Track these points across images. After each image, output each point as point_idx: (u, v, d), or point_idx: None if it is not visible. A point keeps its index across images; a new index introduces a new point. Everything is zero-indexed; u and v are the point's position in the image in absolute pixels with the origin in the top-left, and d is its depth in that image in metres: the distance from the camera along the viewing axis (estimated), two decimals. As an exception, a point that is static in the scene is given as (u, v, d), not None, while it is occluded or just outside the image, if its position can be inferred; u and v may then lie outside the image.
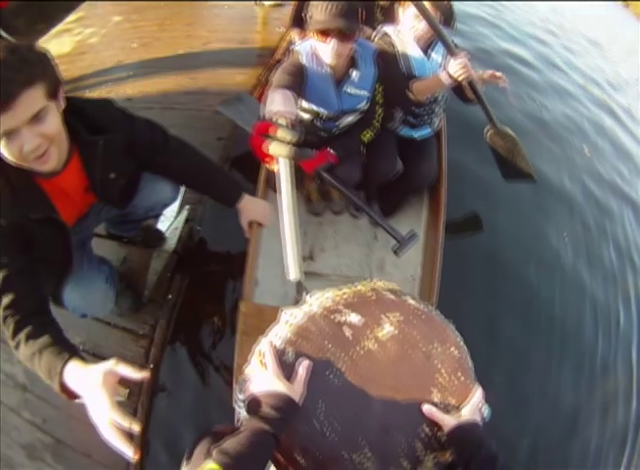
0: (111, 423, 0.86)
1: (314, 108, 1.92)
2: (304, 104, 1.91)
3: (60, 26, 4.99)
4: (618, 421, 2.37)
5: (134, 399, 1.76)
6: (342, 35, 1.66)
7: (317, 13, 1.66)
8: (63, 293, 1.41)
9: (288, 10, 3.58)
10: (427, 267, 2.19)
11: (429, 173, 2.28)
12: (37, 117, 0.99)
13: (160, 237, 2.19)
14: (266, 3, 4.75)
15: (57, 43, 4.48)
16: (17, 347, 1.04)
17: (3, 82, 0.90)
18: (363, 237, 2.39)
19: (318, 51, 1.77)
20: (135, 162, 1.51)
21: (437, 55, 2.09)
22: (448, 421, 0.91)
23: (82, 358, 1.00)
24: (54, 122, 1.07)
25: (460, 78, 1.82)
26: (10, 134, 0.97)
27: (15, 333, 1.04)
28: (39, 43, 4.56)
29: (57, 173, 1.22)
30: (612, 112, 5.75)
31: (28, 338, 1.03)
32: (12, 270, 1.10)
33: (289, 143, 1.21)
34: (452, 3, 3.09)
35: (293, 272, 1.21)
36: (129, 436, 0.88)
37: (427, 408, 0.92)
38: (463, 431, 0.90)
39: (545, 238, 2.90)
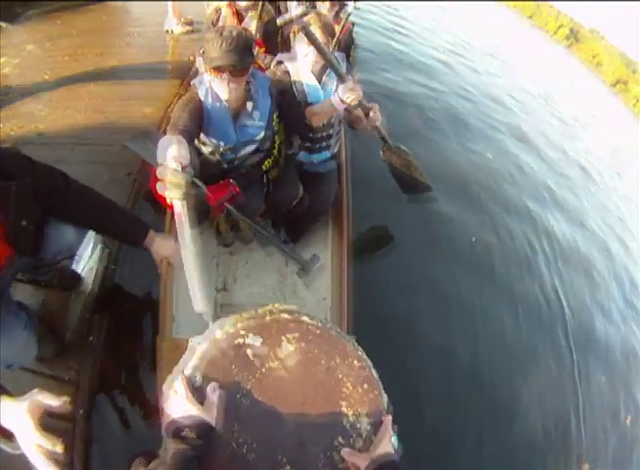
0: (37, 447, 0.94)
1: (213, 141, 1.96)
2: (204, 137, 1.95)
3: None
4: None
5: (69, 449, 1.72)
6: (235, 71, 1.71)
7: (211, 49, 1.69)
8: None
9: (197, 38, 3.71)
10: (336, 289, 2.25)
11: (329, 197, 2.38)
12: None
13: (76, 278, 2.16)
14: (176, 31, 4.88)
15: None
16: None
17: None
18: (274, 264, 2.43)
19: (214, 86, 1.82)
20: (40, 207, 1.52)
21: (331, 81, 2.20)
22: (363, 461, 0.95)
23: (10, 395, 1.08)
24: None
25: (350, 102, 1.90)
26: None
27: None
28: None
29: None
30: (513, 113, 6.44)
31: None
32: None
33: (180, 185, 1.26)
34: (351, 29, 3.33)
35: (198, 305, 1.26)
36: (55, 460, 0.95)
37: (345, 452, 0.97)
38: (379, 466, 0.94)
39: (448, 244, 3.10)
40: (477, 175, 4.06)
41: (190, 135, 1.73)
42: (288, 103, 2.09)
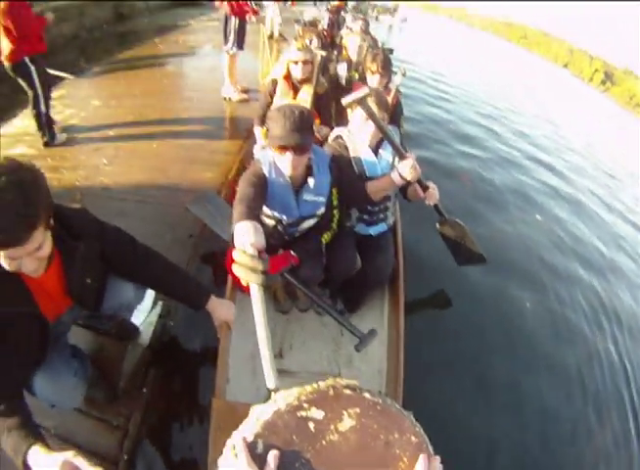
0: None
1: (276, 215, 2.01)
2: (267, 210, 2.00)
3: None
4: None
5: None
6: (298, 150, 1.78)
7: (275, 128, 1.77)
8: (33, 381, 1.45)
9: (253, 105, 3.91)
10: (391, 360, 2.22)
11: (386, 268, 2.38)
12: (37, 248, 1.14)
13: (134, 330, 2.20)
14: (233, 98, 5.21)
15: None
16: None
17: (9, 229, 1.04)
18: (329, 333, 2.44)
19: (277, 162, 1.88)
20: (106, 267, 1.60)
21: (387, 153, 2.26)
22: None
23: (47, 445, 1.11)
24: (49, 246, 1.20)
25: (409, 179, 1.98)
26: (11, 258, 1.12)
27: None
28: (22, 115, 4.76)
29: (40, 273, 1.30)
30: (560, 174, 6.42)
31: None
32: None
33: (258, 271, 1.27)
34: (400, 99, 3.54)
35: (270, 381, 1.28)
36: None
37: None
38: None
39: (505, 318, 3.05)
40: (529, 243, 4.08)
41: (257, 212, 1.78)
42: (347, 178, 2.14)
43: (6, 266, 1.15)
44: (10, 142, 4.27)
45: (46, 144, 4.09)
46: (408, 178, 1.99)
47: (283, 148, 1.78)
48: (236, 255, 1.27)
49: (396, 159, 2.23)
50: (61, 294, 1.46)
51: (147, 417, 2.02)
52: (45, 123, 4.05)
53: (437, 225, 2.73)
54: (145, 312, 2.31)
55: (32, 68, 3.81)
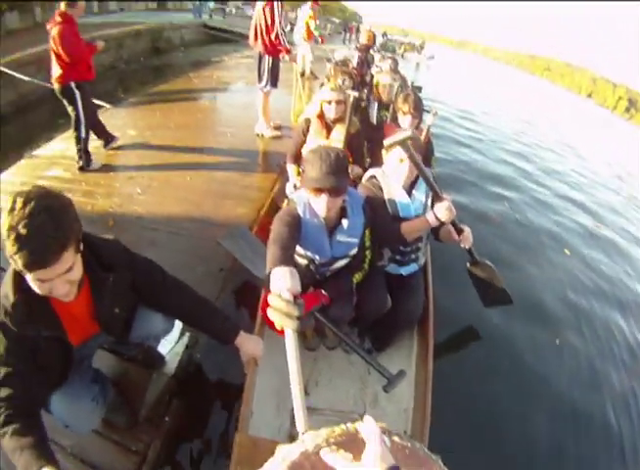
0: None
1: (309, 254, 2.04)
2: (300, 250, 2.03)
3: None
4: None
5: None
6: (334, 192, 1.81)
7: (310, 170, 1.79)
8: (51, 400, 1.48)
9: (286, 142, 3.99)
10: (419, 400, 2.20)
11: (416, 309, 2.38)
12: (68, 270, 1.18)
13: (159, 359, 2.22)
14: (266, 135, 5.33)
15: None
16: (2, 436, 1.19)
17: (41, 250, 1.07)
18: (357, 372, 2.42)
19: (312, 204, 1.90)
20: (136, 297, 1.64)
21: (420, 194, 2.27)
22: None
23: (57, 467, 1.12)
24: (79, 270, 1.25)
25: (445, 220, 2.01)
26: (42, 281, 1.15)
27: (3, 425, 1.19)
28: (59, 139, 5.03)
29: (69, 299, 1.33)
30: (591, 211, 6.36)
31: (14, 434, 1.17)
32: (14, 371, 1.25)
33: (293, 316, 1.27)
34: (431, 139, 3.57)
35: (300, 425, 1.35)
36: None
37: None
38: None
39: (534, 362, 2.97)
40: (560, 284, 4.01)
41: (291, 253, 1.81)
42: (381, 219, 2.16)
43: (37, 289, 1.19)
44: (46, 164, 4.45)
45: (81, 168, 4.26)
46: (443, 220, 2.01)
47: (318, 190, 1.80)
48: (271, 299, 1.27)
49: (429, 199, 2.27)
50: (89, 320, 1.50)
51: (167, 445, 2.03)
52: (83, 148, 4.23)
53: (468, 265, 2.74)
54: (172, 342, 2.33)
55: (77, 93, 4.02)
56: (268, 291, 1.40)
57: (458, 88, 18.57)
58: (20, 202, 1.06)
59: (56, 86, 3.98)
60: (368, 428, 0.92)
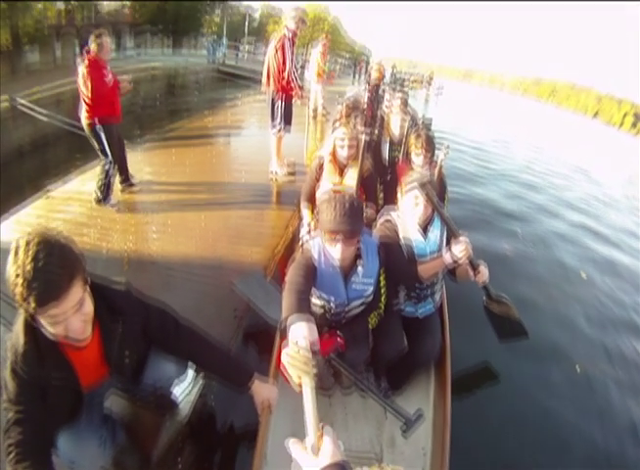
0: None
1: (324, 297, 2.05)
2: (316, 294, 2.04)
3: (97, 167, 5.59)
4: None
5: None
6: (349, 238, 1.84)
7: (325, 216, 1.83)
8: (58, 438, 1.50)
9: (300, 182, 4.04)
10: (437, 441, 2.16)
11: (433, 349, 2.36)
12: (79, 304, 1.20)
13: (172, 404, 2.20)
14: (280, 173, 5.38)
15: (93, 184, 4.87)
16: None
17: (50, 284, 1.10)
18: (372, 414, 2.38)
19: (327, 249, 1.93)
20: (148, 343, 1.67)
21: (435, 233, 2.30)
22: None
23: None
24: (90, 305, 1.27)
25: (461, 260, 2.03)
26: (56, 318, 1.17)
27: (14, 462, 1.23)
28: (75, 177, 5.18)
29: (81, 345, 1.37)
30: (606, 239, 6.31)
31: None
32: (25, 412, 1.29)
33: (309, 365, 1.25)
34: (444, 175, 3.56)
35: None
36: None
37: None
38: None
39: (553, 403, 2.88)
40: (577, 318, 3.96)
41: (307, 300, 1.85)
42: (397, 262, 2.18)
43: (52, 331, 1.22)
44: (62, 201, 4.57)
45: (98, 201, 4.40)
46: (459, 260, 2.03)
47: (333, 234, 1.83)
48: (289, 351, 1.28)
49: (444, 237, 2.30)
50: (99, 364, 1.52)
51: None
52: (106, 183, 4.39)
53: (484, 301, 2.75)
54: (185, 388, 2.31)
55: (102, 132, 4.22)
56: (284, 338, 1.42)
57: (467, 120, 18.91)
58: (22, 249, 1.10)
59: (83, 124, 4.21)
60: None
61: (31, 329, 1.26)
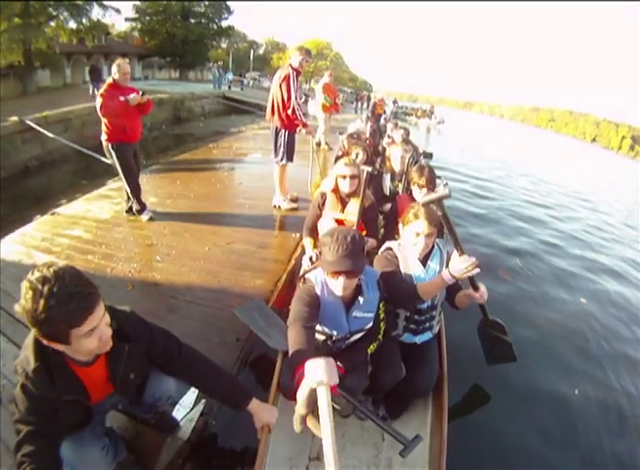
0: None
1: (327, 330, 2.10)
2: (318, 327, 2.08)
3: (102, 190, 5.90)
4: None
5: None
6: (351, 274, 1.87)
7: (327, 253, 1.86)
8: (61, 446, 1.54)
9: (302, 214, 4.12)
10: (433, 466, 2.20)
11: (431, 378, 2.41)
12: (104, 315, 1.34)
13: (174, 424, 2.27)
14: (283, 207, 5.50)
15: (98, 206, 5.22)
16: None
17: (84, 300, 1.24)
18: (370, 438, 2.41)
19: (329, 283, 1.99)
20: (151, 365, 1.75)
21: (435, 264, 2.38)
22: None
23: None
24: (107, 315, 1.39)
25: (458, 275, 2.05)
26: (92, 331, 1.29)
27: None
28: (82, 199, 5.32)
29: (89, 364, 1.48)
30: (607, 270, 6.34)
31: None
32: (36, 429, 1.36)
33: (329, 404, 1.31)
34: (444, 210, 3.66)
35: None
36: None
37: None
38: None
39: (552, 429, 2.91)
40: (575, 336, 4.08)
41: (313, 330, 1.93)
42: (395, 282, 2.26)
43: (89, 346, 1.34)
44: (68, 223, 4.70)
45: (129, 210, 4.91)
46: (457, 275, 2.06)
47: (336, 274, 1.89)
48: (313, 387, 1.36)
49: (444, 268, 2.34)
50: (105, 382, 1.60)
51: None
52: (131, 196, 4.81)
53: (479, 324, 2.84)
54: (187, 408, 2.39)
55: (114, 152, 4.49)
56: (297, 368, 1.52)
57: (468, 150, 19.17)
58: (39, 278, 1.21)
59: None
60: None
61: (41, 350, 1.35)
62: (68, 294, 1.21)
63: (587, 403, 3.22)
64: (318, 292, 2.01)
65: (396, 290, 2.23)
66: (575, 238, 7.60)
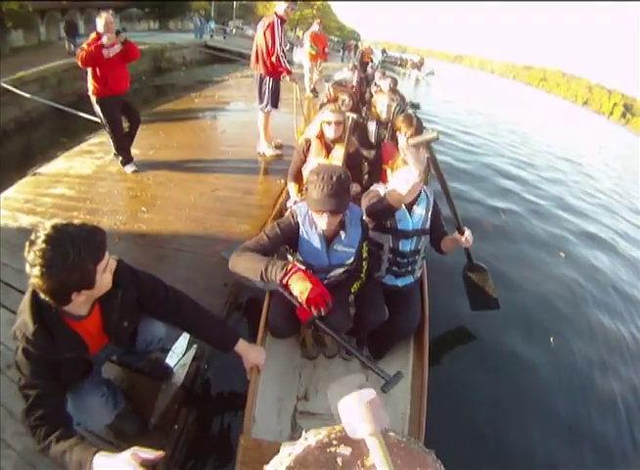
0: None
1: (307, 261, 2.13)
2: (298, 257, 2.14)
3: (83, 146, 5.69)
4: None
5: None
6: (335, 213, 1.93)
7: (312, 191, 1.89)
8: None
9: (287, 161, 4.01)
10: (415, 405, 2.27)
11: (413, 320, 2.46)
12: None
13: (167, 371, 2.32)
14: (267, 154, 5.43)
15: (80, 162, 5.08)
16: (47, 447, 1.30)
17: (97, 231, 1.31)
18: (355, 379, 2.41)
19: (313, 217, 2.02)
20: (141, 311, 1.76)
21: (420, 209, 2.39)
22: None
23: (106, 451, 1.27)
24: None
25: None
26: (106, 264, 1.36)
27: (45, 437, 1.31)
28: (62, 157, 5.22)
29: (83, 318, 1.49)
30: (588, 217, 6.62)
31: (59, 439, 1.30)
32: (44, 391, 1.38)
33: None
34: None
35: None
36: None
37: None
38: None
39: (527, 368, 3.05)
40: (555, 289, 4.16)
41: (267, 252, 2.00)
42: (374, 204, 2.31)
43: (108, 280, 1.43)
44: (50, 182, 4.56)
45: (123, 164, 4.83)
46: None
47: (320, 213, 1.93)
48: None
49: (429, 213, 2.41)
50: (100, 333, 1.62)
51: (176, 453, 2.10)
52: (116, 149, 4.77)
53: (463, 269, 2.90)
54: (179, 354, 2.43)
55: (97, 106, 4.36)
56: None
57: (456, 103, 18.83)
58: (56, 241, 1.21)
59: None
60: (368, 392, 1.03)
61: (38, 311, 1.34)
62: (87, 231, 1.28)
63: (564, 352, 3.35)
64: (300, 222, 2.05)
65: (377, 204, 2.27)
66: (561, 200, 7.61)
